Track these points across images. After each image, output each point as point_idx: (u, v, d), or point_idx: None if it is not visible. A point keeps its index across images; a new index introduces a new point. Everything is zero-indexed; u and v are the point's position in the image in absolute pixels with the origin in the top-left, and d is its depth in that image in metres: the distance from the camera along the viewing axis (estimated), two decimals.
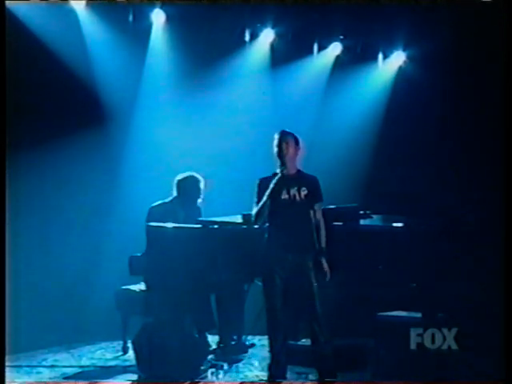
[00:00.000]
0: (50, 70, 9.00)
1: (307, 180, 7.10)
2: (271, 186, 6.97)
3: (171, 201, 8.30)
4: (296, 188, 7.04)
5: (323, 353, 7.00)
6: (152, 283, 7.98)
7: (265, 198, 6.98)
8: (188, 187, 8.27)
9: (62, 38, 9.02)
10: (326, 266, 7.01)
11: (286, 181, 7.03)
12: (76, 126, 9.15)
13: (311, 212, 7.07)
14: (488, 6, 8.55)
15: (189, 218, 8.06)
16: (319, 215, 7.09)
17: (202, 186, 8.28)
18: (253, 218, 7.06)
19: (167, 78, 9.85)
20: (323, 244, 7.04)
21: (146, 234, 7.91)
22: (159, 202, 8.28)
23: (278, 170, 7.02)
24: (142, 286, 8.26)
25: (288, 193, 7.04)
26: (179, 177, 8.32)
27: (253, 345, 8.24)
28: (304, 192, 7.04)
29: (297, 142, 7.10)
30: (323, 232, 7.07)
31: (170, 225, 7.84)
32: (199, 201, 8.28)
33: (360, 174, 10.41)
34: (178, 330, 7.52)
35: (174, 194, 8.32)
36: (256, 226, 7.32)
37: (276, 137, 7.08)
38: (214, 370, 7.50)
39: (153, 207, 8.24)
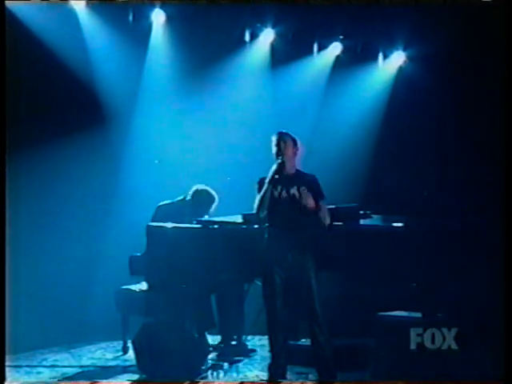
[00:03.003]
0: (50, 69, 9.00)
1: (306, 179, 7.11)
2: (270, 173, 7.00)
3: (182, 200, 8.30)
4: (296, 187, 7.05)
5: (323, 353, 7.00)
6: (153, 283, 7.99)
7: (266, 186, 6.99)
8: (202, 201, 8.28)
9: (62, 38, 9.01)
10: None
11: (286, 180, 7.05)
12: (76, 126, 9.15)
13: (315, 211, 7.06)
14: (488, 6, 8.55)
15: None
16: (324, 208, 7.03)
17: (214, 205, 8.30)
18: (255, 210, 7.04)
19: (167, 77, 9.85)
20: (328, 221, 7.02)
21: (147, 234, 7.91)
22: (168, 201, 8.30)
23: (278, 161, 7.04)
24: (142, 286, 8.27)
25: (288, 192, 7.05)
26: (200, 187, 8.33)
27: (253, 350, 8.23)
28: (304, 191, 7.05)
29: (295, 143, 7.14)
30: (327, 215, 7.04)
31: (170, 225, 7.85)
32: (206, 216, 8.26)
33: (360, 174, 10.41)
34: (177, 329, 7.53)
35: (188, 198, 8.31)
36: (257, 226, 7.36)
37: (274, 138, 7.13)
38: (213, 369, 7.50)
39: (160, 206, 8.26)
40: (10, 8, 8.34)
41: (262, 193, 7.02)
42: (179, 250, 7.65)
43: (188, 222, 8.04)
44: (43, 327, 8.63)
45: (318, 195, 7.07)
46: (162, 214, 8.14)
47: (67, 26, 9.05)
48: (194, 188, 8.36)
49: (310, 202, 6.97)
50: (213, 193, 8.36)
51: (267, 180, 7.01)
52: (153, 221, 8.12)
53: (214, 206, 8.31)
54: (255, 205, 7.04)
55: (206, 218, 8.19)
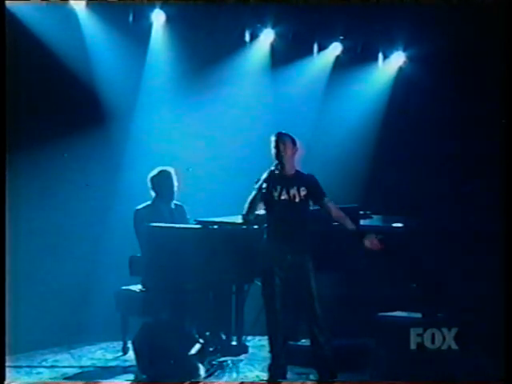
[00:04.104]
0: (50, 69, 8.99)
1: (306, 179, 7.10)
2: (261, 180, 6.99)
3: (153, 202, 8.31)
4: (295, 188, 7.04)
5: (323, 353, 7.00)
6: (151, 284, 7.99)
7: (254, 192, 6.98)
8: (162, 183, 8.28)
9: (62, 38, 9.01)
10: (375, 240, 7.02)
11: (285, 181, 7.04)
12: (76, 126, 9.14)
13: (321, 209, 7.06)
14: (488, 6, 8.56)
15: (174, 215, 8.14)
16: (332, 206, 7.07)
17: (174, 177, 8.30)
18: (244, 212, 7.04)
19: (167, 78, 9.85)
20: (353, 225, 7.06)
21: (147, 235, 7.90)
22: (144, 204, 8.30)
23: (271, 168, 7.04)
24: (142, 287, 8.27)
25: (287, 193, 7.04)
26: (151, 174, 8.33)
27: (245, 352, 8.21)
28: (303, 192, 7.05)
29: (294, 143, 7.12)
30: (345, 217, 7.07)
31: (169, 225, 7.85)
32: (175, 189, 8.27)
33: (360, 175, 10.41)
34: (177, 329, 7.52)
35: (153, 194, 8.32)
36: (257, 226, 7.36)
37: (273, 139, 7.11)
38: (213, 369, 7.50)
39: (138, 210, 8.26)
40: (10, 8, 8.34)
41: (251, 197, 7.00)
42: (179, 250, 7.65)
43: (168, 216, 8.05)
44: (43, 327, 8.62)
45: (319, 194, 7.07)
46: (141, 217, 8.14)
47: (67, 25, 9.05)
48: (148, 182, 8.35)
49: (374, 244, 7.01)
50: (168, 169, 8.34)
51: (257, 186, 6.99)
52: (135, 226, 8.13)
53: (175, 182, 8.29)
54: (245, 206, 7.04)
55: (175, 189, 8.23)
